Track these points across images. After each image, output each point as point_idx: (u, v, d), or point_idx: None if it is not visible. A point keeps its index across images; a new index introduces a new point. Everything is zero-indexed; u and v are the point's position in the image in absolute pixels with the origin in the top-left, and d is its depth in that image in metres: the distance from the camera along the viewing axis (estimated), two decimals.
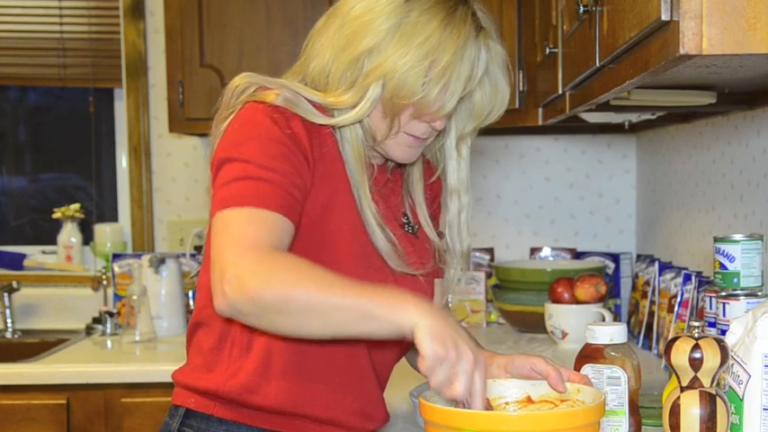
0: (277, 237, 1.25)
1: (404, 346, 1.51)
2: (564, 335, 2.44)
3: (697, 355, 1.23)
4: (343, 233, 1.38)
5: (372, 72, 1.36)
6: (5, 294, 3.05)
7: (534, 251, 3.03)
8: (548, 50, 1.96)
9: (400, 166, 1.53)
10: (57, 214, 3.23)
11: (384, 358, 1.49)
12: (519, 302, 2.65)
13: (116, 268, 3.01)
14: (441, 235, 1.54)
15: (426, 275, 1.50)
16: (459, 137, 1.51)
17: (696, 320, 1.29)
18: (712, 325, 1.46)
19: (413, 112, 1.39)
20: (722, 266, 1.43)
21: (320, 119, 1.38)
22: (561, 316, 2.45)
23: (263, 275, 1.19)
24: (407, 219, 1.52)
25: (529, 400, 1.35)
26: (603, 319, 2.32)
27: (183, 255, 3.02)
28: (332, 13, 1.43)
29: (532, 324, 2.63)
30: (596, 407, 1.21)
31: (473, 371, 1.16)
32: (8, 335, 3.04)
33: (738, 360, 1.28)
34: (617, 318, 2.68)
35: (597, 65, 1.42)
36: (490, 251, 3.05)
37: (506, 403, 1.35)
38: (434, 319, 1.16)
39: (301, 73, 1.44)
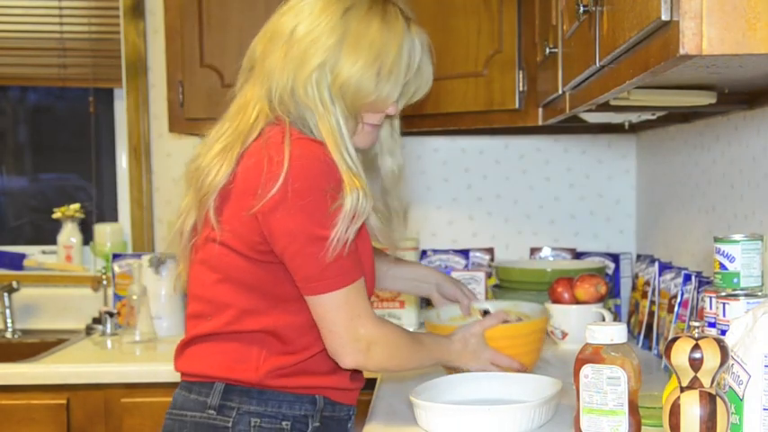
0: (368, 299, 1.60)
1: None
2: (564, 335, 2.44)
3: (697, 355, 1.23)
4: (365, 241, 1.63)
5: (332, 84, 1.54)
6: (5, 294, 3.05)
7: (534, 251, 3.03)
8: (548, 50, 1.95)
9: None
10: (57, 214, 3.23)
11: None
12: None
13: (116, 268, 3.01)
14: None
15: None
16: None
17: (696, 320, 1.29)
18: (712, 325, 1.46)
19: (369, 108, 1.60)
20: (722, 266, 1.43)
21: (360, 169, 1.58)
22: (561, 316, 2.44)
23: (392, 353, 1.60)
24: None
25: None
26: (603, 319, 2.31)
27: None
28: (272, 38, 1.58)
29: None
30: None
31: (491, 354, 1.83)
32: (8, 335, 3.04)
33: (738, 360, 1.28)
34: (617, 318, 2.68)
35: (597, 65, 1.42)
36: (490, 251, 3.05)
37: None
38: (463, 352, 1.80)
39: (265, 96, 1.57)
